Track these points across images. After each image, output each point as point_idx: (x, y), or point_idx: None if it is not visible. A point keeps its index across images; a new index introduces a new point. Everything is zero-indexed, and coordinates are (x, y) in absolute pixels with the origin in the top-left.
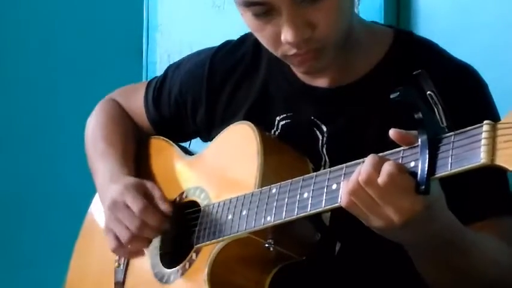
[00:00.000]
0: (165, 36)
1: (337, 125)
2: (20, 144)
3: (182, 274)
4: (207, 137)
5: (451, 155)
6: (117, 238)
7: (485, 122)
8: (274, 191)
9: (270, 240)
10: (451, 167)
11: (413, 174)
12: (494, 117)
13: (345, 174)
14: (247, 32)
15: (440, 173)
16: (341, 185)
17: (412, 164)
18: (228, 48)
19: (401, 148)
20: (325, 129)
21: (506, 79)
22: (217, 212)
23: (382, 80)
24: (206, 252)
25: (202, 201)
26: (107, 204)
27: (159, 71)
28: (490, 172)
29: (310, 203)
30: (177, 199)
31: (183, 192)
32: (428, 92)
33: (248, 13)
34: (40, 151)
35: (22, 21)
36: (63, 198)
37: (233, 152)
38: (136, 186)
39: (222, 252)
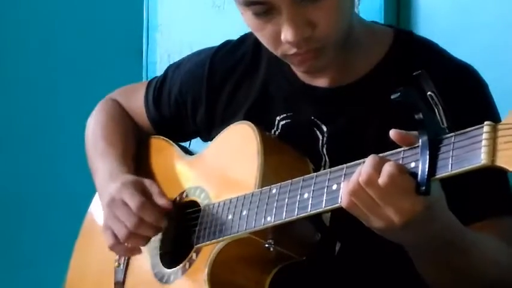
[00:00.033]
0: (165, 36)
1: (337, 125)
2: (20, 144)
3: (182, 274)
4: (207, 136)
5: (452, 156)
6: (114, 235)
7: (485, 123)
8: (274, 191)
9: (270, 241)
10: (451, 167)
11: (414, 174)
12: (495, 118)
13: (345, 174)
14: (247, 32)
15: (441, 173)
16: (341, 186)
17: (413, 164)
18: (228, 48)
19: (402, 149)
20: (325, 129)
21: (506, 79)
22: (217, 212)
23: (382, 80)
24: (206, 252)
25: (202, 201)
26: (105, 201)
27: (159, 71)
28: (491, 172)
29: (311, 204)
30: (177, 199)
31: (183, 192)
32: (429, 93)
33: (248, 12)
34: (40, 151)
35: (22, 21)
36: (63, 198)
37: (233, 151)
38: (134, 183)
39: (222, 252)
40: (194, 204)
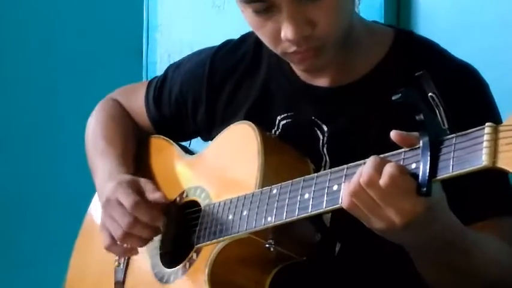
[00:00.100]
0: (165, 36)
1: (337, 124)
2: (20, 144)
3: (182, 274)
4: (208, 136)
5: (453, 157)
6: (111, 236)
7: (486, 124)
8: (275, 191)
9: (271, 241)
10: (452, 169)
11: (415, 175)
12: (496, 118)
13: (346, 175)
14: (248, 32)
15: (442, 175)
16: (342, 186)
17: (414, 165)
18: (229, 47)
19: (403, 150)
20: (325, 128)
21: (506, 79)
22: (217, 212)
23: (382, 80)
24: (206, 252)
25: (202, 201)
26: (102, 202)
27: (159, 71)
28: (491, 173)
29: (311, 204)
30: (178, 199)
31: (183, 192)
32: (430, 94)
33: (248, 10)
34: (40, 151)
35: (22, 21)
36: (63, 198)
37: (234, 151)
38: (129, 182)
39: (222, 252)
40: (194, 204)
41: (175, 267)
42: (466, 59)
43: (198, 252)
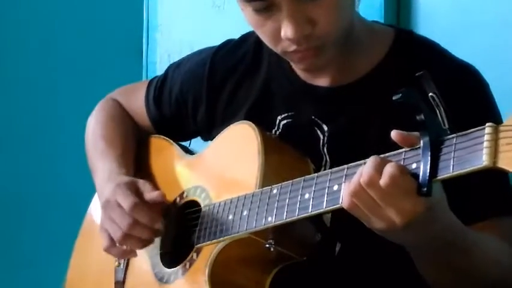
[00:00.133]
0: (165, 36)
1: (338, 124)
2: (20, 144)
3: (182, 274)
4: (208, 136)
5: (453, 157)
6: (110, 237)
7: (487, 124)
8: (275, 191)
9: (271, 241)
10: (453, 169)
11: (415, 175)
12: (496, 118)
13: (346, 175)
14: (248, 31)
15: (442, 175)
16: (342, 186)
17: (414, 165)
18: (229, 47)
19: (403, 150)
20: (326, 128)
21: (506, 79)
22: (218, 212)
23: (383, 80)
24: (207, 252)
25: (202, 201)
26: (102, 203)
27: (159, 71)
28: (492, 172)
29: (312, 204)
30: (178, 199)
31: (183, 192)
32: (431, 94)
33: (248, 8)
34: (40, 151)
35: (22, 21)
36: (63, 198)
37: (234, 151)
38: (128, 184)
39: (222, 252)
40: (194, 204)
41: (176, 267)
42: (466, 59)
43: (198, 252)
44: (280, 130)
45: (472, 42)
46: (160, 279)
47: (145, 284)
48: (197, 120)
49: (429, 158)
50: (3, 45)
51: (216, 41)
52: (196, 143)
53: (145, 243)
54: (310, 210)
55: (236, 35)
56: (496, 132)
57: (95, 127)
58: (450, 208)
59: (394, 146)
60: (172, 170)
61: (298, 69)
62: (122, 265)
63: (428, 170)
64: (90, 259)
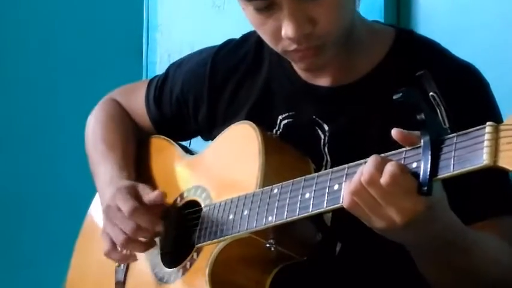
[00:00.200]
0: (165, 36)
1: (338, 124)
2: (20, 144)
3: (183, 274)
4: (208, 135)
5: (454, 156)
6: (112, 241)
7: (487, 123)
8: (275, 191)
9: (271, 240)
10: (453, 168)
11: (416, 175)
12: (497, 117)
13: (347, 174)
14: (249, 31)
15: (443, 174)
16: (343, 186)
17: (415, 164)
18: (230, 47)
19: (404, 149)
20: (326, 128)
21: (507, 78)
22: (218, 211)
23: (383, 79)
24: (207, 252)
25: (203, 201)
26: (103, 207)
27: (159, 71)
28: (492, 172)
29: (312, 204)
30: (178, 198)
31: (183, 192)
32: (431, 93)
33: (250, 7)
34: (40, 151)
35: (22, 21)
36: (63, 198)
37: (234, 151)
38: (127, 188)
39: (223, 252)
40: (195, 204)
41: (176, 267)
42: (466, 59)
43: (198, 252)
44: (281, 130)
45: (472, 42)
46: (161, 279)
47: (145, 284)
48: (198, 120)
49: (430, 157)
50: (3, 45)
51: (216, 41)
52: (196, 143)
53: (147, 246)
54: (310, 210)
55: (236, 35)
56: (496, 132)
57: (95, 127)
58: (450, 207)
59: (395, 146)
60: (173, 170)
61: (298, 69)
62: (122, 265)
63: (428, 169)
64: (90, 259)
